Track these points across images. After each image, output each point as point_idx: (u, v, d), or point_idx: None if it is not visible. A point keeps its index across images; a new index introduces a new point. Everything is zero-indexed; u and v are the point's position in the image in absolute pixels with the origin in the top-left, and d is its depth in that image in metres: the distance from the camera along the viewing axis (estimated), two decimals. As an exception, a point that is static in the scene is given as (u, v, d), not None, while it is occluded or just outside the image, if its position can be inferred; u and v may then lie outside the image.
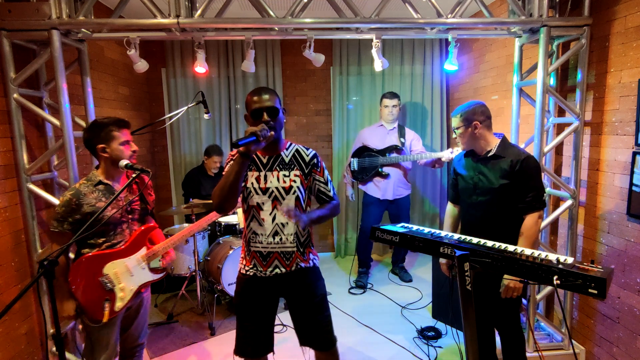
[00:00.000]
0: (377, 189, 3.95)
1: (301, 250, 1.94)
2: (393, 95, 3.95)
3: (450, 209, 2.45)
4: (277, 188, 1.86)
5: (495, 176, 2.11)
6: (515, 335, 2.26)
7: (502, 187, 2.09)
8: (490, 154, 2.15)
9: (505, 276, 2.09)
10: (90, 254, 1.96)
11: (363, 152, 3.96)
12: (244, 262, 1.97)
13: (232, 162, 1.82)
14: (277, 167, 1.88)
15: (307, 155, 1.94)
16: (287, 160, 1.90)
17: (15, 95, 2.38)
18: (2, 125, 2.37)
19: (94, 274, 1.96)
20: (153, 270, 2.18)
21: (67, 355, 2.32)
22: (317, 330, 1.97)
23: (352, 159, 3.97)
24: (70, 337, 2.70)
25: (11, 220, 2.40)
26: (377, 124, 4.07)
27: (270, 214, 1.87)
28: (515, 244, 2.14)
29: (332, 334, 2.00)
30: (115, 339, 2.05)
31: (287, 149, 1.93)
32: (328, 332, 1.99)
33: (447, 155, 3.59)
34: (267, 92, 1.81)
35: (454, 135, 2.24)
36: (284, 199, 1.87)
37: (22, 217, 2.47)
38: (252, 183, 1.87)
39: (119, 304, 2.01)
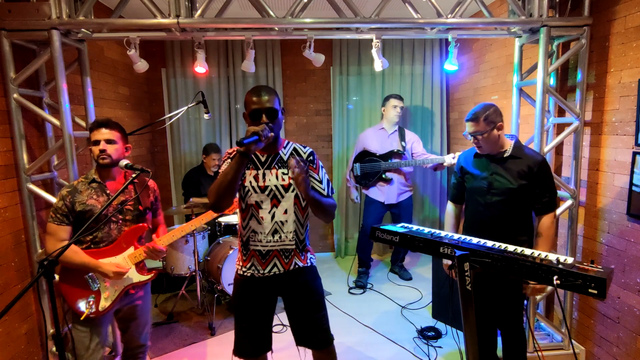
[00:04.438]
0: (381, 193, 3.96)
1: (300, 248, 1.95)
2: (400, 96, 3.96)
3: (451, 208, 2.44)
4: (276, 186, 1.86)
5: (513, 177, 2.11)
6: (518, 335, 2.26)
7: (520, 188, 2.10)
8: (506, 154, 2.15)
9: None
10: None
11: (365, 157, 3.95)
12: (241, 263, 1.96)
13: (229, 160, 1.81)
14: (276, 165, 1.88)
15: (304, 153, 1.95)
16: (285, 158, 1.90)
17: (15, 95, 2.38)
18: (2, 125, 2.37)
19: (80, 271, 1.97)
20: (142, 270, 2.13)
21: (67, 355, 2.32)
22: (313, 328, 1.97)
23: (354, 164, 3.98)
24: (70, 337, 2.69)
25: (11, 220, 2.40)
26: (378, 126, 4.05)
27: (269, 212, 1.87)
28: (525, 242, 2.16)
29: (328, 332, 2.00)
30: (102, 341, 2.03)
31: (285, 148, 1.93)
32: (324, 331, 1.99)
33: (449, 160, 3.63)
34: (266, 93, 1.78)
35: (469, 138, 2.14)
36: (282, 197, 1.87)
37: (22, 217, 2.47)
38: (250, 182, 1.86)
39: (103, 304, 2.00)
